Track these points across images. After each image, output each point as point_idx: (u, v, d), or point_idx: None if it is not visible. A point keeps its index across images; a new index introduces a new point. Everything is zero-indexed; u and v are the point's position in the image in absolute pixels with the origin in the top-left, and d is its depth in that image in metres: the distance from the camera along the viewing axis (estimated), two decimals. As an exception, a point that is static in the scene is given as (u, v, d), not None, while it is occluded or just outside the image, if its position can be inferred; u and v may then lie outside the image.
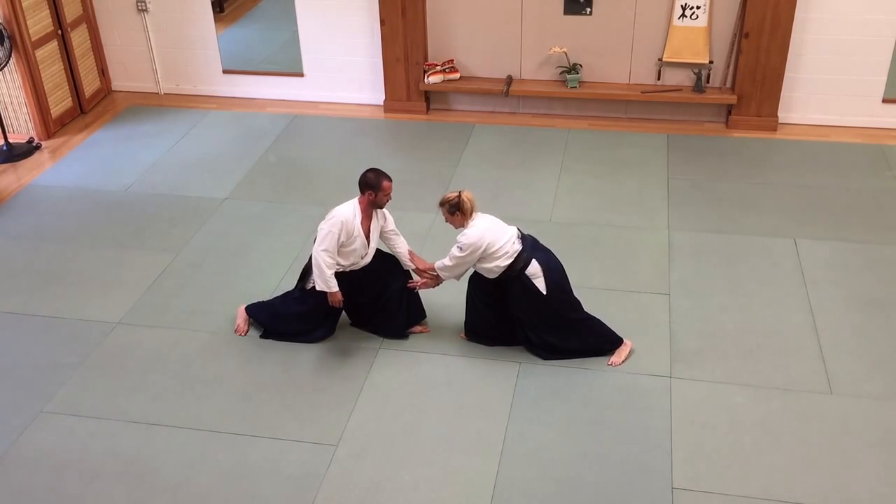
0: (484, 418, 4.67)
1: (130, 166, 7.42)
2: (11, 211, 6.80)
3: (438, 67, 8.03)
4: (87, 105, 8.46)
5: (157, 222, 6.58)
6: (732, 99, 7.70)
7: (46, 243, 6.34)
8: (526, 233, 4.93)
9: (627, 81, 7.99)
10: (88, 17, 8.42)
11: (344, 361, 5.11)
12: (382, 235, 5.07)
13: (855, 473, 4.30)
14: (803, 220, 6.40)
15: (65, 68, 8.12)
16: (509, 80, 8.05)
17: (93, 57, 8.53)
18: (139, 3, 8.35)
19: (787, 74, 7.59)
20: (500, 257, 4.75)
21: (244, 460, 4.45)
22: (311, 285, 5.00)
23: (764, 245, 6.11)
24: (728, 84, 7.82)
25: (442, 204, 4.82)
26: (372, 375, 5.00)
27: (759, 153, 7.42)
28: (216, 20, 8.44)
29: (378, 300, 5.17)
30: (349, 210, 4.84)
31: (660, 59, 7.81)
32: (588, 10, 7.72)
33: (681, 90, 7.82)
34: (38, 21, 7.71)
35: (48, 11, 7.84)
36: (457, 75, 8.12)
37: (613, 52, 7.86)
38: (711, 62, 7.74)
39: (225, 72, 8.63)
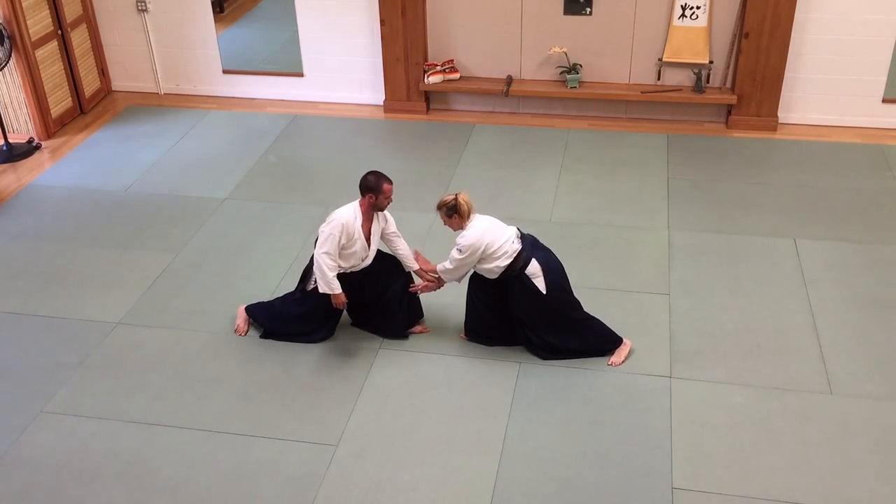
0: (484, 418, 4.67)
1: (130, 166, 7.42)
2: (11, 211, 6.80)
3: (438, 67, 8.03)
4: (87, 105, 8.47)
5: (157, 222, 6.58)
6: (732, 99, 7.70)
7: (46, 243, 6.34)
8: (525, 232, 4.93)
9: (627, 81, 7.99)
10: (88, 17, 8.42)
11: (344, 361, 5.11)
12: (384, 237, 5.07)
13: (855, 473, 4.30)
14: (803, 220, 6.40)
15: (65, 68, 8.13)
16: (509, 80, 8.05)
17: (93, 57, 8.53)
18: (139, 3, 8.35)
19: (787, 74, 7.59)
20: (499, 257, 4.75)
21: (244, 460, 4.45)
22: (312, 286, 5.00)
23: (764, 245, 6.11)
24: (728, 84, 7.82)
25: (439, 207, 4.82)
26: (372, 375, 5.00)
27: (759, 153, 7.42)
28: (216, 20, 8.44)
29: (379, 301, 5.17)
30: (350, 212, 4.84)
31: (660, 59, 7.82)
32: (588, 10, 7.72)
33: (681, 90, 7.82)
34: (38, 21, 7.71)
35: (48, 11, 7.84)
36: (457, 75, 8.12)
37: (613, 52, 7.86)
38: (711, 62, 7.74)
39: (225, 72, 8.63)
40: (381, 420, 4.68)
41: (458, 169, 7.25)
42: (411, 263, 5.14)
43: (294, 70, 8.48)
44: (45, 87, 7.85)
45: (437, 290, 5.18)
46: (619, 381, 4.90)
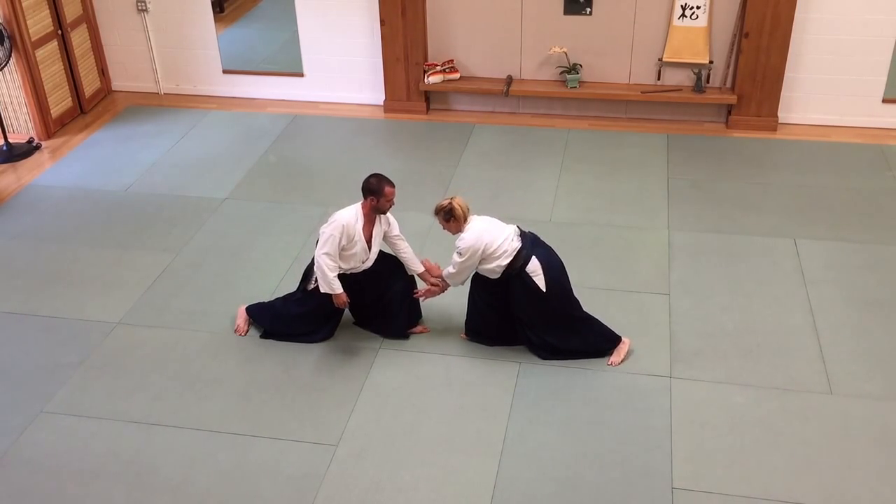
0: (484, 418, 4.67)
1: (130, 166, 7.42)
2: (11, 211, 6.80)
3: (438, 67, 8.03)
4: (87, 105, 8.47)
5: (157, 222, 6.58)
6: (732, 99, 7.70)
7: (46, 243, 6.34)
8: (526, 230, 4.94)
9: (627, 81, 7.99)
10: (88, 17, 8.42)
11: (344, 361, 5.11)
12: (387, 240, 5.06)
13: (855, 473, 4.30)
14: (803, 220, 6.40)
15: (65, 68, 8.13)
16: (509, 80, 8.05)
17: (93, 57, 8.53)
18: (139, 3, 8.35)
19: (787, 74, 7.60)
20: (499, 256, 4.76)
21: (244, 460, 4.45)
22: (313, 286, 5.00)
23: (764, 245, 6.11)
24: (728, 84, 7.82)
25: (437, 212, 4.83)
26: (372, 375, 4.99)
27: (759, 153, 7.42)
28: (216, 20, 8.44)
29: (380, 301, 5.17)
30: (351, 214, 4.84)
31: (660, 59, 7.82)
32: (588, 10, 7.72)
33: (681, 90, 7.82)
34: (38, 21, 7.71)
35: (48, 11, 7.84)
36: (457, 75, 8.12)
37: (613, 52, 7.86)
38: (711, 62, 7.74)
39: (225, 72, 8.63)
40: (381, 420, 4.68)
41: (458, 169, 7.25)
42: (415, 266, 5.12)
43: (294, 70, 8.48)
44: (45, 87, 7.85)
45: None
46: (619, 381, 4.90)
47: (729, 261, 5.95)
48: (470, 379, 4.96)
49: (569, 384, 4.88)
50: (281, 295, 5.41)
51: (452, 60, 8.09)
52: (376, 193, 4.79)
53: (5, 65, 7.45)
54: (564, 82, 7.93)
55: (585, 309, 5.04)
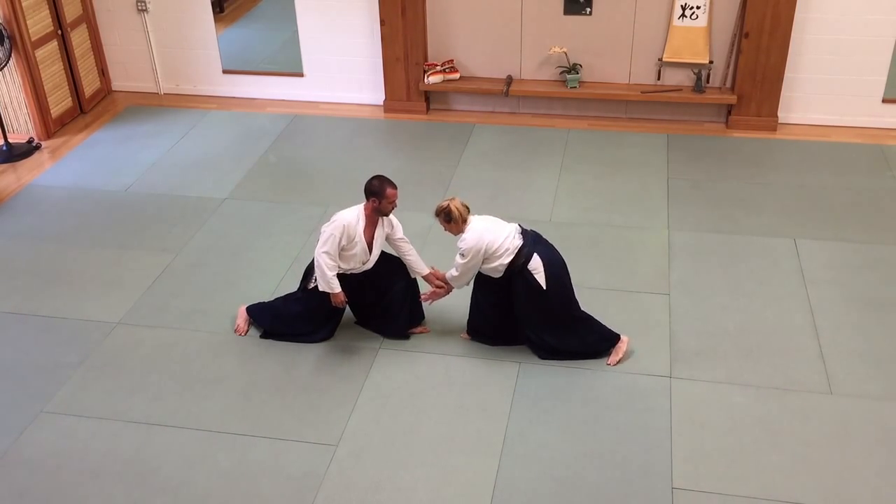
0: (484, 418, 4.67)
1: (130, 166, 7.42)
2: (11, 211, 6.80)
3: (438, 67, 8.03)
4: (87, 105, 8.47)
5: (157, 222, 6.58)
6: (732, 99, 7.70)
7: (46, 243, 6.34)
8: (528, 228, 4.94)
9: (627, 81, 7.99)
10: (88, 17, 8.42)
11: (344, 361, 5.11)
12: (391, 243, 5.04)
13: (855, 473, 4.30)
14: (803, 220, 6.40)
15: (65, 68, 8.13)
16: (509, 80, 8.05)
17: (93, 57, 8.53)
18: (139, 3, 8.35)
19: (787, 74, 7.60)
20: (501, 255, 4.76)
21: (244, 460, 4.45)
22: (313, 284, 5.00)
23: (764, 245, 6.11)
24: (728, 84, 7.83)
25: (437, 214, 4.83)
26: (372, 375, 4.99)
27: (759, 153, 7.42)
28: (216, 20, 8.44)
29: (381, 301, 5.17)
30: (352, 215, 4.84)
31: (660, 59, 7.82)
32: (588, 10, 7.72)
33: (681, 90, 7.82)
34: (38, 21, 7.71)
35: (48, 11, 7.84)
36: (457, 75, 8.12)
37: (613, 52, 7.86)
38: (711, 62, 7.74)
39: (225, 72, 8.63)
40: (381, 420, 4.68)
41: (458, 169, 7.25)
42: (420, 269, 5.10)
43: (294, 70, 8.48)
44: (45, 87, 7.85)
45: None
46: (619, 381, 4.90)
47: (729, 261, 5.95)
48: (470, 379, 4.95)
49: (569, 384, 4.88)
50: (281, 295, 5.42)
51: (452, 60, 8.09)
52: (378, 195, 4.79)
53: (5, 65, 7.45)
54: (564, 82, 7.93)
55: (585, 309, 5.04)
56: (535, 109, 8.20)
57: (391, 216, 4.96)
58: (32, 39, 7.64)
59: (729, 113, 7.84)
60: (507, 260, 4.76)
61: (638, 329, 5.26)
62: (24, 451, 4.54)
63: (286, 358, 5.14)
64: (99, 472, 4.40)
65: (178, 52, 8.60)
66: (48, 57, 7.88)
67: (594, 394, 4.81)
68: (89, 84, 8.49)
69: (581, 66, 7.87)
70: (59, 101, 8.08)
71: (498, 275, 4.85)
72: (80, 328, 5.44)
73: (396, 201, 4.86)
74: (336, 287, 4.87)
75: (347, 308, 5.19)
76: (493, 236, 4.75)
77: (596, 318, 5.06)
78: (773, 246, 6.10)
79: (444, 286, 5.10)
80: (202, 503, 4.22)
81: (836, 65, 7.56)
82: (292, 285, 5.39)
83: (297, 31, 8.27)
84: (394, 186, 4.82)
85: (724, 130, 7.82)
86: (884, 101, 7.66)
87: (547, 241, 4.93)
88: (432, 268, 5.15)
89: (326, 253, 4.80)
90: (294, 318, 5.20)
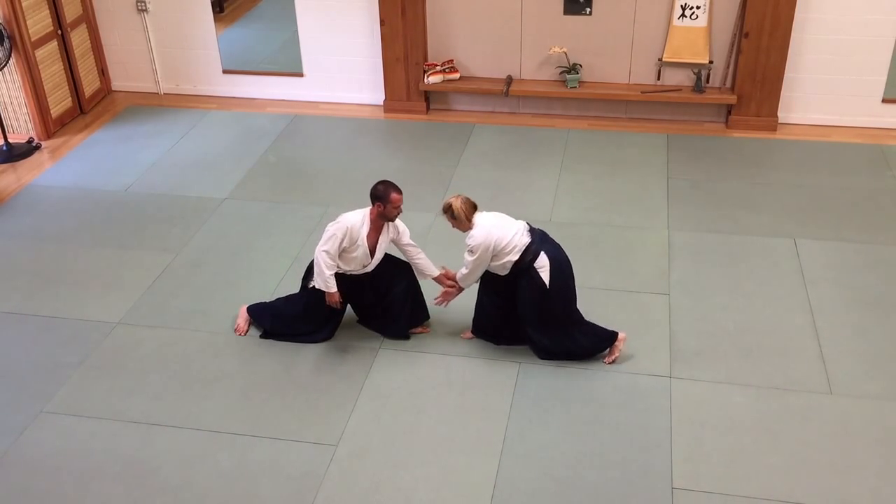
0: (484, 418, 4.67)
1: (130, 166, 7.42)
2: (11, 211, 6.80)
3: (438, 67, 8.03)
4: (87, 105, 8.47)
5: (157, 222, 6.58)
6: (732, 99, 7.70)
7: (46, 243, 6.34)
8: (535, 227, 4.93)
9: (627, 81, 7.99)
10: (88, 17, 8.42)
11: (344, 361, 5.11)
12: (400, 248, 5.03)
13: (855, 473, 4.30)
14: (803, 220, 6.40)
15: (65, 68, 8.12)
16: (509, 80, 8.05)
17: (93, 57, 8.53)
18: (139, 3, 8.35)
19: (787, 74, 7.60)
20: (510, 252, 4.75)
21: (244, 460, 4.45)
22: (313, 283, 5.00)
23: (764, 245, 6.12)
24: (728, 84, 7.83)
25: (444, 211, 4.82)
26: (372, 375, 4.99)
27: (759, 153, 7.42)
28: (216, 20, 8.44)
29: (381, 301, 5.17)
30: (358, 218, 4.83)
31: (660, 59, 7.82)
32: (588, 10, 7.72)
33: (681, 90, 7.82)
34: (38, 21, 7.71)
35: (48, 11, 7.84)
36: (457, 75, 8.12)
37: (613, 52, 7.86)
38: (711, 62, 7.74)
39: (225, 72, 8.63)
40: (381, 420, 4.68)
41: (458, 169, 7.25)
42: (430, 272, 5.07)
43: (294, 70, 8.48)
44: (45, 87, 7.85)
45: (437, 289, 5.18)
46: (619, 381, 4.90)
47: (729, 261, 5.95)
48: (470, 379, 4.95)
49: (569, 384, 4.88)
50: (281, 295, 5.42)
51: (452, 60, 8.09)
52: (383, 200, 4.77)
53: (5, 65, 7.45)
54: (564, 82, 7.93)
55: (586, 309, 5.04)
56: (535, 109, 8.20)
57: (398, 221, 4.93)
58: (32, 39, 7.64)
59: (729, 113, 7.84)
60: (514, 257, 4.76)
61: (638, 329, 5.26)
62: (24, 451, 4.54)
63: (286, 358, 5.14)
64: (99, 472, 4.40)
65: (178, 52, 8.60)
66: (48, 57, 7.88)
67: (594, 394, 4.81)
68: (89, 84, 8.49)
69: (581, 66, 7.87)
70: (59, 101, 8.08)
71: (505, 272, 4.84)
72: (80, 328, 5.44)
73: (402, 206, 4.84)
74: (332, 286, 4.87)
75: (349, 308, 5.19)
76: (501, 233, 4.74)
77: (596, 318, 5.05)
78: (772, 246, 6.10)
79: (455, 286, 5.09)
80: (202, 503, 4.22)
81: (835, 65, 7.56)
82: (292, 285, 5.39)
83: (296, 31, 8.27)
84: (399, 191, 4.79)
85: (724, 130, 7.82)
86: (884, 101, 7.66)
87: (554, 240, 4.92)
88: (443, 268, 5.15)
89: (326, 252, 4.80)
90: (294, 318, 5.20)
